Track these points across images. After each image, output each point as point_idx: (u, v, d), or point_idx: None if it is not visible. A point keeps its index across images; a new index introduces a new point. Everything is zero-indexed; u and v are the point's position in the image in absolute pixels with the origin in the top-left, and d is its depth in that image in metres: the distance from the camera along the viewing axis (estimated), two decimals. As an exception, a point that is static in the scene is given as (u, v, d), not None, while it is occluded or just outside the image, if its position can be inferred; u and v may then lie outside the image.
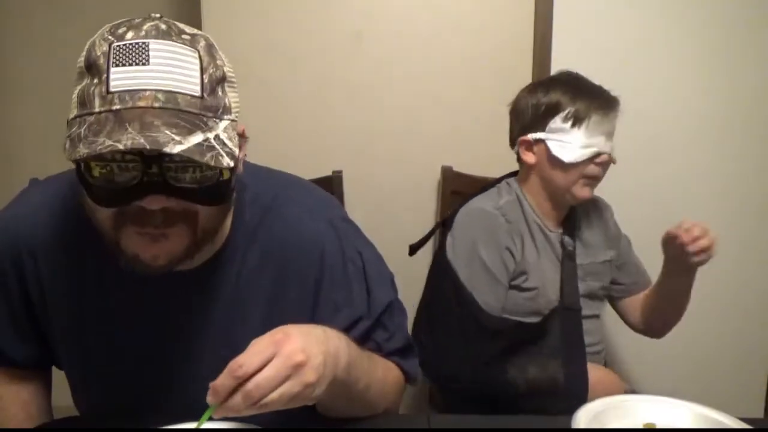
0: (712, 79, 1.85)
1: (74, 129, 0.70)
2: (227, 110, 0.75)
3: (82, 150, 0.66)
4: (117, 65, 0.69)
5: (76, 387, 0.97)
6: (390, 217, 1.86)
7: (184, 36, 0.74)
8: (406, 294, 1.03)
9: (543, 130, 1.36)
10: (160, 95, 0.69)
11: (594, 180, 1.38)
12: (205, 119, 0.71)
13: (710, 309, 1.94)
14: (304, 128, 1.93)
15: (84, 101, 0.71)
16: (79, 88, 0.72)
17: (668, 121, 1.86)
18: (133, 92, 0.68)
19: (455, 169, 1.91)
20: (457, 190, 1.87)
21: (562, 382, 1.33)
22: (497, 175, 1.55)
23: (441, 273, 1.42)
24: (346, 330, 0.85)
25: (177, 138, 0.67)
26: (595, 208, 1.53)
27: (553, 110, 1.34)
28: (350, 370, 0.78)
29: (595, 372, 1.39)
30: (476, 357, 1.35)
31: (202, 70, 0.72)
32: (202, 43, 0.75)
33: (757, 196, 1.91)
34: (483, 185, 1.53)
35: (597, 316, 1.51)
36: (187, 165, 0.72)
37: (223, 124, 0.74)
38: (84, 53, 0.73)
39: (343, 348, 0.77)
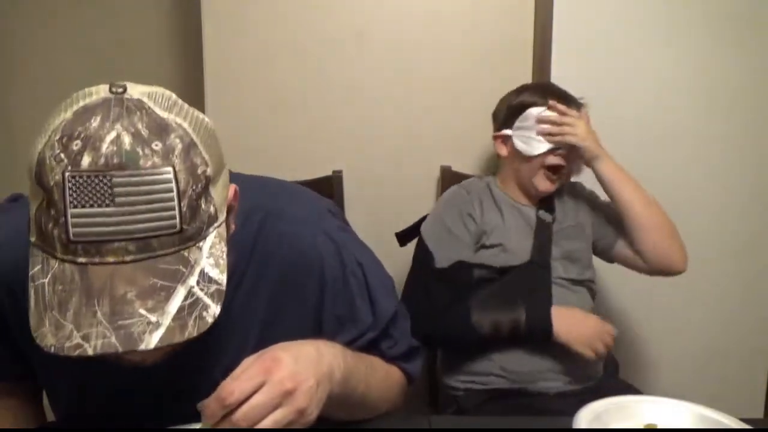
0: (713, 78, 1.85)
1: (36, 270, 0.62)
2: (213, 219, 0.65)
3: (49, 339, 0.59)
4: (76, 206, 0.59)
5: (58, 411, 0.93)
6: (389, 216, 1.86)
7: (155, 146, 0.61)
8: (401, 294, 1.03)
9: (511, 127, 1.53)
10: (130, 246, 0.60)
11: (556, 172, 1.50)
12: (186, 253, 0.63)
13: (710, 309, 1.94)
14: (305, 128, 1.93)
15: (43, 233, 0.61)
16: (34, 208, 0.62)
17: (669, 120, 1.85)
18: (99, 244, 0.59)
19: (454, 168, 1.91)
20: (457, 189, 1.87)
21: (524, 323, 1.40)
22: (496, 174, 1.57)
23: (417, 247, 1.55)
24: (350, 343, 0.83)
25: (153, 318, 0.59)
26: (572, 192, 1.61)
27: (519, 109, 1.52)
28: (346, 383, 0.77)
29: (578, 314, 1.43)
30: (435, 301, 1.45)
31: (180, 196, 0.61)
32: (179, 148, 0.62)
33: (757, 195, 1.90)
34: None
35: (583, 285, 1.54)
36: None
37: (208, 243, 0.65)
38: (35, 164, 0.61)
39: (338, 363, 0.75)
